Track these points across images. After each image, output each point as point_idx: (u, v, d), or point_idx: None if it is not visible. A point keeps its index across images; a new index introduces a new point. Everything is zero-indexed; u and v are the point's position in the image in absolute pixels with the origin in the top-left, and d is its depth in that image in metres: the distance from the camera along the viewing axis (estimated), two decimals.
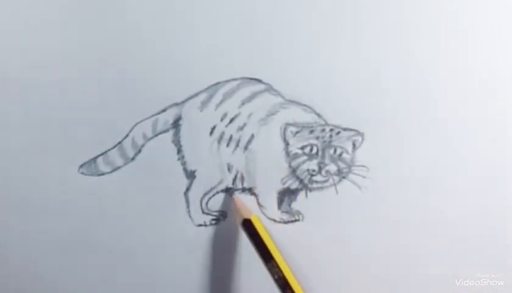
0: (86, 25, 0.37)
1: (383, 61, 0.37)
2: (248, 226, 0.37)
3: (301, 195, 0.40)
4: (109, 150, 0.39)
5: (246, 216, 0.38)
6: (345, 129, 0.38)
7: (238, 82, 0.38)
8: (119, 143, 0.39)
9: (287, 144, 0.39)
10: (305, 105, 0.38)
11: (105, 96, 0.38)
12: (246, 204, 0.40)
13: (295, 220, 0.40)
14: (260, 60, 0.38)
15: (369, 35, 0.37)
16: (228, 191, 0.40)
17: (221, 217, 0.40)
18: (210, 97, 0.38)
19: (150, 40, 0.37)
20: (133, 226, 0.40)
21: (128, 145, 0.39)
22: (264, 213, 0.40)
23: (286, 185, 0.40)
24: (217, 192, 0.40)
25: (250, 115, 0.39)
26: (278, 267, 0.35)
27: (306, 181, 0.39)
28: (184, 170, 0.39)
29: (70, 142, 0.39)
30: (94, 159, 0.39)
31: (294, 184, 0.39)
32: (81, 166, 0.39)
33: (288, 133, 0.39)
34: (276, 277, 0.35)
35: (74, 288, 0.41)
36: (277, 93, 0.38)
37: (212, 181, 0.40)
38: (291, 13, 0.37)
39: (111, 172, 0.39)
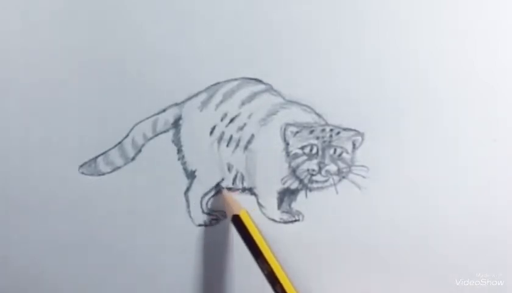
0: (86, 25, 0.37)
1: (383, 62, 0.37)
2: (237, 221, 0.37)
3: (301, 195, 0.40)
4: (109, 150, 0.39)
5: (235, 212, 0.38)
6: (345, 129, 0.38)
7: (238, 82, 0.38)
8: (119, 143, 0.39)
9: (287, 144, 0.39)
10: (305, 105, 0.38)
11: (105, 96, 0.38)
12: (235, 199, 0.40)
13: (295, 220, 0.40)
14: (260, 60, 0.38)
15: (370, 35, 0.37)
16: (220, 186, 0.40)
17: (221, 216, 0.40)
18: (210, 97, 0.38)
19: (151, 40, 0.37)
20: (133, 226, 0.40)
21: (129, 145, 0.39)
22: (264, 213, 0.40)
23: (286, 185, 0.40)
24: (218, 192, 0.40)
25: (250, 115, 0.39)
26: (267, 262, 0.35)
27: (306, 181, 0.39)
28: (185, 169, 0.39)
29: (70, 142, 0.39)
30: (94, 159, 0.39)
31: (294, 184, 0.39)
32: (82, 166, 0.39)
33: (288, 133, 0.39)
34: (265, 272, 0.35)
35: (74, 288, 0.42)
36: (277, 93, 0.38)
37: (212, 181, 0.40)
38: (291, 13, 0.37)
39: (111, 172, 0.39)
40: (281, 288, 0.35)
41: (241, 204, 0.40)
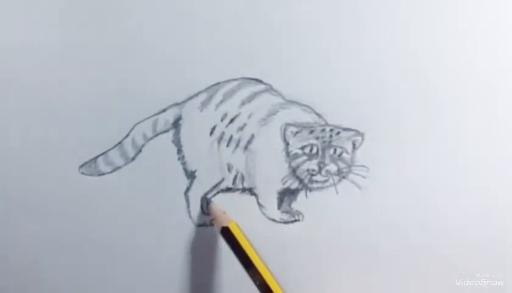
0: (86, 25, 0.37)
1: (383, 62, 0.37)
2: (227, 234, 0.37)
3: (301, 195, 0.40)
4: (109, 150, 0.39)
5: (224, 224, 0.37)
6: (345, 129, 0.38)
7: (238, 82, 0.38)
8: (119, 143, 0.39)
9: (287, 144, 0.39)
10: (305, 105, 0.38)
11: (105, 96, 0.38)
12: (223, 212, 0.39)
13: (295, 220, 0.40)
14: (260, 60, 0.38)
15: (370, 35, 0.37)
16: (206, 199, 0.40)
17: None
18: (210, 97, 0.38)
19: (151, 40, 0.37)
20: (133, 226, 0.40)
21: (129, 145, 0.39)
22: (264, 213, 0.40)
23: (286, 185, 0.40)
24: (218, 192, 0.40)
25: (250, 115, 0.39)
26: (258, 273, 0.35)
27: (306, 181, 0.39)
28: (185, 169, 0.39)
29: (70, 142, 0.39)
30: (94, 159, 0.39)
31: (294, 184, 0.39)
32: (82, 166, 0.39)
33: (288, 133, 0.39)
34: (257, 283, 0.35)
35: (74, 288, 0.41)
36: (277, 93, 0.38)
37: (212, 181, 0.40)
38: (291, 13, 0.37)
39: (111, 172, 0.39)
40: None
41: (230, 216, 0.39)
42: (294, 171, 0.39)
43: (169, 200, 0.40)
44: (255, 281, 0.35)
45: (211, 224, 0.40)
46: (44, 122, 0.39)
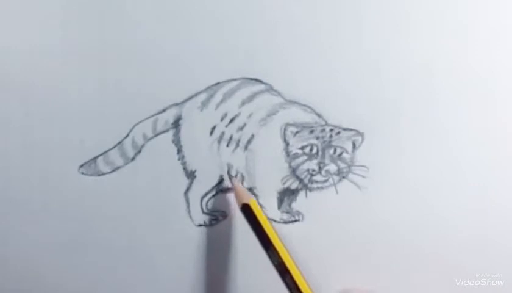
0: (86, 25, 0.37)
1: (383, 61, 0.37)
2: (246, 210, 0.37)
3: (301, 195, 0.40)
4: (109, 150, 0.39)
5: (244, 201, 0.37)
6: (345, 129, 0.38)
7: (238, 82, 0.38)
8: (119, 143, 0.39)
9: (287, 144, 0.39)
10: (305, 105, 0.38)
11: (105, 96, 0.38)
12: (244, 189, 0.39)
13: (295, 220, 0.40)
14: (260, 60, 0.38)
15: (370, 35, 0.37)
16: (229, 174, 0.40)
17: (221, 216, 0.40)
18: (210, 97, 0.38)
19: (150, 40, 0.37)
20: (133, 226, 0.40)
21: (128, 145, 0.39)
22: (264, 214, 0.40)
23: (286, 185, 0.40)
24: (218, 192, 0.40)
25: (250, 115, 0.39)
26: (277, 252, 0.35)
27: (306, 181, 0.39)
28: (185, 169, 0.39)
29: (70, 142, 0.39)
30: (94, 159, 0.39)
31: (294, 184, 0.39)
32: (81, 166, 0.39)
33: (288, 133, 0.39)
34: (275, 263, 0.35)
35: (74, 288, 0.42)
36: (277, 93, 0.38)
37: (212, 181, 0.40)
38: (291, 13, 0.37)
39: (111, 172, 0.39)
40: (291, 279, 0.35)
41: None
42: (294, 171, 0.39)
43: (169, 200, 0.40)
44: (272, 261, 0.35)
45: (211, 224, 0.40)
46: (44, 122, 0.39)
